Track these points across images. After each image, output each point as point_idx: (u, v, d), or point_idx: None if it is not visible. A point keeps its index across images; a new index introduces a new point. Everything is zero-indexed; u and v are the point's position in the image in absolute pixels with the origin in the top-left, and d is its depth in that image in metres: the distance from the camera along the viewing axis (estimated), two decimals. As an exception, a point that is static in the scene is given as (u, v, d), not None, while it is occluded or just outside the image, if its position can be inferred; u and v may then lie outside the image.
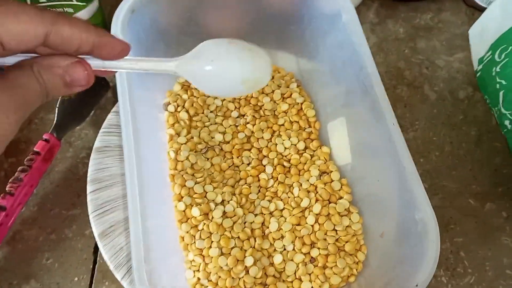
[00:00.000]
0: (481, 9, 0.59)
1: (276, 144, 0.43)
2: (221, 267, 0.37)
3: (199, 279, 0.37)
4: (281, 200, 0.41)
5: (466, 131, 0.52)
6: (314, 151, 0.44)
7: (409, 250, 0.33)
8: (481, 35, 0.54)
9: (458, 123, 0.53)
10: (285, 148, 0.43)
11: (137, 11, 0.39)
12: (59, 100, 0.44)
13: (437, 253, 0.31)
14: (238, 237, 0.38)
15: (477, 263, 0.45)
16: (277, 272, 0.38)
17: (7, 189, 0.40)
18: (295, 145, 0.43)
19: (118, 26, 0.37)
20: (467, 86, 0.55)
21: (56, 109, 0.44)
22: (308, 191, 0.41)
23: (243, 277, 0.37)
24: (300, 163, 0.43)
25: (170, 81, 0.46)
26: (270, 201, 0.40)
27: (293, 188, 0.41)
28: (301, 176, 0.42)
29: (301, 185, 0.41)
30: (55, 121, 0.44)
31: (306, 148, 0.44)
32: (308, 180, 0.41)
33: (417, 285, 0.30)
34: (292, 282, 0.38)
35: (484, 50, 0.53)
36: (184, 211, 0.39)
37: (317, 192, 0.41)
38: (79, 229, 0.43)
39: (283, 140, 0.43)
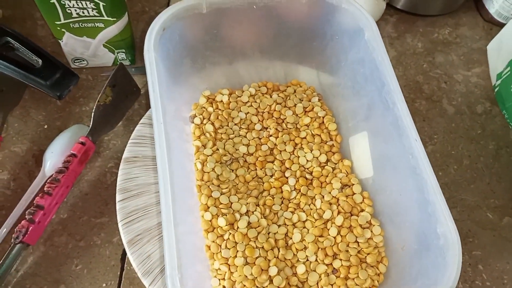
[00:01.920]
0: (498, 24, 0.60)
1: (299, 157, 0.44)
2: (246, 276, 0.38)
3: (224, 287, 0.38)
4: (304, 211, 0.42)
5: (484, 145, 0.53)
6: (335, 164, 0.45)
7: (431, 264, 0.34)
8: (499, 51, 0.55)
9: (476, 137, 0.54)
10: (307, 160, 0.44)
11: (167, 29, 0.40)
12: (95, 105, 0.46)
13: (459, 267, 0.32)
14: (263, 247, 0.39)
15: (495, 276, 0.46)
16: (300, 282, 0.39)
17: (45, 189, 0.42)
18: (317, 158, 0.45)
19: (151, 43, 0.38)
20: (485, 100, 0.56)
21: (92, 113, 0.46)
22: (330, 203, 0.42)
23: (267, 286, 0.38)
24: (322, 175, 0.44)
25: (195, 94, 0.48)
26: (293, 212, 0.42)
27: (315, 200, 0.42)
28: (323, 188, 0.43)
29: (323, 197, 0.42)
30: (90, 125, 0.46)
31: (328, 161, 0.45)
32: (330, 193, 0.43)
33: (439, 298, 0.31)
34: (314, 292, 0.39)
35: (503, 65, 0.54)
36: (210, 220, 0.40)
37: (339, 205, 0.42)
38: (107, 237, 0.45)
39: (305, 153, 0.45)
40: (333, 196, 0.42)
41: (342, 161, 0.45)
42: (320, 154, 0.45)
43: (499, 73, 0.54)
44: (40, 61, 0.44)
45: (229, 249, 0.38)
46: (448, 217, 0.33)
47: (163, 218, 0.33)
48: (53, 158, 0.46)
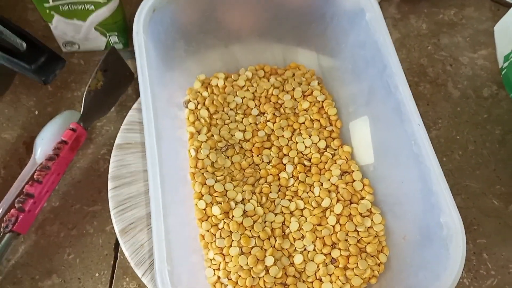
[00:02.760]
0: (506, 4, 0.58)
1: (297, 143, 0.43)
2: (241, 266, 0.37)
3: (219, 277, 0.37)
4: (302, 199, 0.40)
5: (490, 130, 0.51)
6: (335, 150, 0.43)
7: (433, 255, 0.32)
8: (507, 32, 0.53)
9: (482, 122, 0.52)
10: (306, 146, 0.43)
11: (158, 10, 0.38)
12: (86, 90, 0.44)
13: (463, 259, 0.30)
14: (259, 237, 0.38)
15: (500, 265, 0.45)
16: (297, 272, 0.38)
17: (35, 177, 0.40)
18: (316, 143, 0.43)
19: (140, 25, 0.36)
20: (491, 84, 0.54)
21: (83, 99, 0.44)
22: (329, 191, 0.40)
23: (263, 276, 0.37)
24: (321, 162, 0.42)
25: (190, 78, 0.46)
26: (290, 200, 0.40)
27: (314, 187, 0.41)
28: (322, 175, 0.42)
29: (322, 184, 0.41)
30: (81, 111, 0.44)
31: (327, 147, 0.43)
32: (329, 180, 0.41)
33: (441, 291, 0.29)
34: (312, 282, 0.37)
35: (510, 47, 0.51)
36: (204, 209, 0.39)
37: (338, 192, 0.40)
38: (100, 225, 0.44)
39: (304, 139, 0.43)
40: (332, 184, 0.41)
41: (342, 147, 0.43)
42: (319, 140, 0.43)
43: (507, 55, 0.52)
44: (24, 44, 0.42)
45: (223, 238, 0.37)
46: (452, 207, 0.32)
47: (152, 209, 0.31)
48: (44, 145, 0.44)
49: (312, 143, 0.43)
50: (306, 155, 0.43)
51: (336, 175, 0.41)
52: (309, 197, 0.40)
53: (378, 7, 0.39)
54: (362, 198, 0.40)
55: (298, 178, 0.41)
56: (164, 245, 0.30)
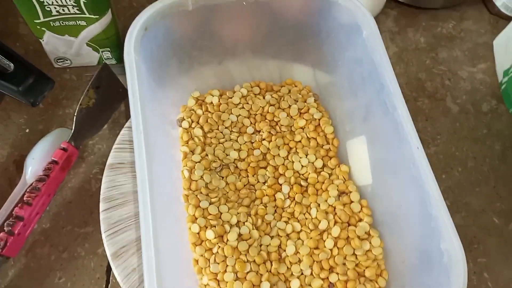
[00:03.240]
0: (505, 18, 0.57)
1: (293, 162, 0.42)
2: (236, 292, 0.35)
3: (213, 303, 0.36)
4: (298, 221, 0.39)
5: (490, 145, 0.51)
6: (332, 169, 0.42)
7: (434, 281, 0.31)
8: (507, 46, 0.52)
9: (481, 137, 0.51)
10: (302, 166, 0.42)
11: (150, 28, 0.37)
12: (77, 108, 0.43)
13: (465, 285, 0.29)
14: (254, 261, 0.37)
15: (502, 285, 0.44)
16: None
17: (25, 199, 0.39)
18: (313, 163, 0.42)
19: (131, 45, 0.35)
20: (491, 98, 0.53)
21: (74, 117, 0.43)
22: (326, 213, 0.39)
23: (258, 302, 0.35)
24: (318, 182, 0.41)
25: (183, 95, 0.45)
26: (286, 222, 0.39)
27: (311, 208, 0.40)
28: (319, 196, 0.41)
29: (319, 205, 0.40)
30: (72, 130, 0.43)
31: (324, 166, 0.42)
32: (326, 201, 0.40)
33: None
34: (309, 307, 0.36)
35: (510, 61, 0.51)
36: (198, 233, 0.38)
37: (335, 214, 0.39)
38: (91, 248, 0.43)
39: (300, 158, 0.42)
40: (329, 205, 0.40)
41: (339, 166, 0.42)
42: (316, 159, 0.42)
43: (506, 69, 0.52)
44: (12, 65, 0.41)
45: (218, 263, 0.36)
46: (453, 233, 0.31)
47: (142, 233, 0.30)
48: (34, 165, 0.43)
49: (309, 162, 0.42)
50: (302, 174, 0.42)
51: (333, 196, 0.40)
52: (306, 218, 0.39)
53: (375, 24, 0.38)
54: (360, 220, 0.39)
55: (294, 199, 0.40)
56: (154, 271, 0.29)
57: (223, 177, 0.41)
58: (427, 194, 0.32)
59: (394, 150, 0.36)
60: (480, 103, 0.53)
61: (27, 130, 0.47)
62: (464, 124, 0.52)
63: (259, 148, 0.42)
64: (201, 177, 0.40)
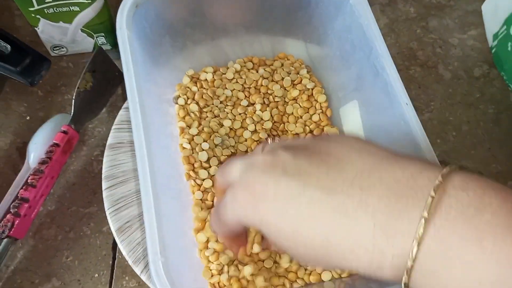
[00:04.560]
0: (494, -16, 0.58)
1: (287, 131, 0.43)
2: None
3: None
4: None
5: (484, 109, 0.51)
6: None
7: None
8: (495, 10, 0.53)
9: (474, 102, 0.52)
10: (296, 133, 0.43)
11: (141, 6, 0.38)
12: (75, 92, 0.44)
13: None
14: None
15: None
16: None
17: (29, 181, 0.40)
18: (308, 126, 0.43)
19: (123, 20, 0.36)
20: (482, 63, 0.54)
21: (73, 101, 0.44)
22: None
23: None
24: None
25: (178, 74, 0.46)
26: None
27: None
28: None
29: None
30: (72, 113, 0.44)
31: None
32: None
33: None
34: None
35: (498, 25, 0.51)
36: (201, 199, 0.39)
37: None
38: (97, 226, 0.44)
39: (296, 127, 0.43)
40: None
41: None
42: (307, 126, 0.43)
43: (495, 33, 0.52)
44: (8, 47, 0.42)
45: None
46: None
47: (143, 202, 0.31)
48: (36, 150, 0.44)
49: (303, 131, 0.43)
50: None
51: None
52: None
53: (361, -9, 0.39)
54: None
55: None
56: (157, 237, 0.30)
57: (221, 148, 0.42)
58: (418, 148, 0.33)
59: (385, 112, 0.37)
60: (472, 69, 0.54)
61: (28, 118, 0.48)
62: (457, 90, 0.52)
63: (252, 117, 0.43)
64: (201, 147, 0.40)
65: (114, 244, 0.43)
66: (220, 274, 0.36)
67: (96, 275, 0.42)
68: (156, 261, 0.29)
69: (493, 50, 0.53)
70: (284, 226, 0.24)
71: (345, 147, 0.25)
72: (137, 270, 0.39)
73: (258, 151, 0.27)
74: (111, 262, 0.42)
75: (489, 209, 0.20)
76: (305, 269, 0.37)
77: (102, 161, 0.44)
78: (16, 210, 0.40)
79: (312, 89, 0.45)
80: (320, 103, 0.44)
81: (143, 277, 0.39)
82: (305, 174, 0.24)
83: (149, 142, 0.34)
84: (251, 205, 0.25)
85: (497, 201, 0.20)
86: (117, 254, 0.43)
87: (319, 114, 0.44)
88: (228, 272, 0.36)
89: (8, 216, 0.40)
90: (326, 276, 0.37)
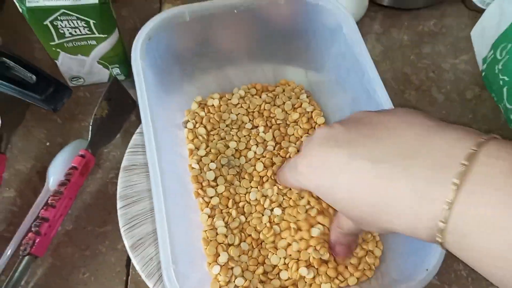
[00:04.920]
0: (482, 12, 0.61)
1: (288, 152, 0.46)
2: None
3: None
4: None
5: (477, 129, 0.53)
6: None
7: (420, 242, 0.34)
8: (483, 36, 0.56)
9: (468, 122, 0.54)
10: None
11: (153, 38, 0.42)
12: (92, 118, 0.48)
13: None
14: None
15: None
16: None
17: (49, 202, 0.43)
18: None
19: (137, 52, 0.40)
20: (474, 86, 0.57)
21: (90, 127, 0.48)
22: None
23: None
24: None
25: (187, 100, 0.49)
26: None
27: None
28: None
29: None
30: (89, 138, 0.48)
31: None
32: None
33: (427, 269, 0.31)
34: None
35: (487, 49, 0.55)
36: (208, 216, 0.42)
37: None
38: (111, 244, 0.46)
39: (295, 148, 0.46)
40: None
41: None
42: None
43: (484, 57, 0.55)
44: (34, 77, 0.46)
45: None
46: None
47: (156, 214, 0.34)
48: (56, 173, 0.48)
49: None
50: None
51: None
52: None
53: (353, 21, 0.42)
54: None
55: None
56: (168, 246, 0.33)
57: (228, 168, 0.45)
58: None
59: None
60: (464, 91, 0.57)
61: (47, 144, 0.52)
62: (450, 112, 0.55)
63: (255, 139, 0.46)
64: (209, 167, 0.44)
65: (128, 261, 0.46)
66: (227, 285, 0.39)
67: (111, 290, 0.44)
68: (169, 268, 0.31)
69: (483, 73, 0.56)
70: (336, 191, 0.28)
71: (394, 118, 0.28)
72: (150, 284, 0.41)
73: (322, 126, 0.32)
74: (125, 278, 0.45)
75: None
76: (305, 282, 0.39)
77: (116, 183, 0.47)
78: (37, 229, 0.43)
79: (312, 112, 0.48)
80: (319, 124, 0.47)
81: (156, 291, 0.41)
82: (355, 145, 0.27)
83: (161, 163, 0.37)
84: (309, 173, 0.30)
85: None
86: (130, 270, 0.45)
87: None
88: (234, 281, 0.38)
89: (30, 234, 0.43)
90: (325, 286, 0.39)
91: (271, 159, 0.45)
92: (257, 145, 0.46)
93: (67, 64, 0.51)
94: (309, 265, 0.39)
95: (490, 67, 0.54)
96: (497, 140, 0.24)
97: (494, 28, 0.53)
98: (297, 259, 0.40)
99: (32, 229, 0.43)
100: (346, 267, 0.39)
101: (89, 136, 0.48)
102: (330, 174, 0.28)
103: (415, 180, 0.24)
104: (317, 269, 0.39)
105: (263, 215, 0.42)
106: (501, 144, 0.23)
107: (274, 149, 0.46)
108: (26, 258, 0.43)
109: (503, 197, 0.21)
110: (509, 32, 0.50)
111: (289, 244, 0.40)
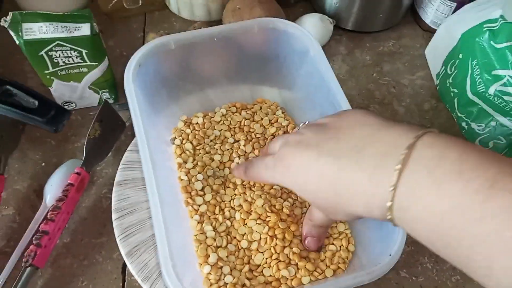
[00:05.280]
0: (435, 32, 0.69)
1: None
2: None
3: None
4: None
5: (434, 137, 0.60)
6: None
7: (387, 230, 0.40)
8: (435, 54, 0.63)
9: (426, 131, 0.61)
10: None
11: (143, 65, 0.47)
12: (86, 139, 0.52)
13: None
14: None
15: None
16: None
17: (48, 216, 0.47)
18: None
19: (129, 77, 0.45)
20: (430, 98, 0.64)
21: (84, 147, 0.52)
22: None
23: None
24: None
25: (174, 120, 0.54)
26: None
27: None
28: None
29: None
30: (84, 157, 0.52)
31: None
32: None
33: (390, 255, 0.37)
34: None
35: (439, 66, 0.61)
36: (198, 222, 0.46)
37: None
38: (107, 254, 0.50)
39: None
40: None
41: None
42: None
43: (438, 73, 0.62)
44: (36, 102, 0.51)
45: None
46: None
47: (153, 216, 0.38)
48: (52, 191, 0.51)
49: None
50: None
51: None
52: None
53: (319, 45, 0.49)
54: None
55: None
56: (166, 246, 0.37)
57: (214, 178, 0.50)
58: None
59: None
60: (422, 104, 0.63)
61: (43, 164, 0.56)
62: (410, 122, 0.61)
63: (237, 151, 0.51)
64: (196, 178, 0.48)
65: (123, 268, 0.49)
66: (217, 283, 0.43)
67: (109, 296, 0.48)
68: (167, 263, 0.36)
69: (437, 87, 0.63)
70: (308, 184, 0.34)
71: (351, 121, 0.34)
72: (146, 287, 0.45)
73: (294, 132, 0.38)
74: (121, 284, 0.49)
75: (448, 161, 0.26)
76: (287, 277, 0.44)
77: (109, 197, 0.51)
78: (38, 241, 0.47)
79: (287, 126, 0.53)
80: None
81: (151, 293, 0.45)
82: (322, 146, 0.33)
83: (155, 174, 0.42)
84: (285, 172, 0.35)
85: (455, 153, 0.26)
86: (126, 277, 0.49)
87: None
88: (224, 279, 0.43)
89: (31, 246, 0.46)
90: (305, 280, 0.44)
91: None
92: (239, 157, 0.51)
93: (60, 90, 0.56)
94: (288, 263, 0.44)
95: (443, 81, 0.61)
96: (433, 132, 0.29)
97: (444, 46, 0.60)
98: (277, 259, 0.44)
99: (34, 242, 0.47)
100: (322, 261, 0.44)
101: (84, 155, 0.52)
102: (303, 171, 0.33)
103: (367, 168, 0.29)
104: (296, 264, 0.44)
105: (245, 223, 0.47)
106: (436, 135, 0.29)
107: None
108: (28, 269, 0.46)
109: (432, 177, 0.27)
110: (455, 50, 0.57)
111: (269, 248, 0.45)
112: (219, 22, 0.68)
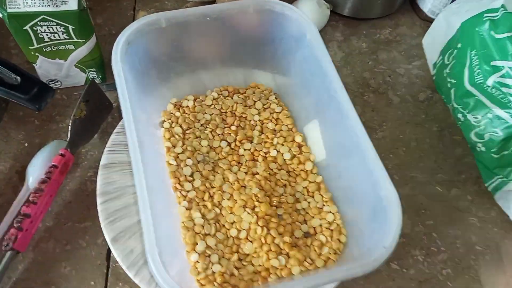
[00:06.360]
0: (432, 21, 0.67)
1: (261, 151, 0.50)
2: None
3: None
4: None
5: (429, 128, 0.59)
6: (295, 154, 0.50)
7: (380, 222, 0.39)
8: (433, 43, 0.62)
9: (421, 121, 0.60)
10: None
11: (132, 43, 0.45)
12: (71, 119, 0.50)
13: (400, 219, 0.37)
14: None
15: (449, 242, 0.51)
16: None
17: (30, 198, 0.45)
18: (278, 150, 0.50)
19: (117, 56, 0.43)
20: (426, 89, 0.63)
21: (69, 127, 0.50)
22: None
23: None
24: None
25: (164, 102, 0.52)
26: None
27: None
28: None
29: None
30: (68, 138, 0.50)
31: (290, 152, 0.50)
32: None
33: (384, 247, 0.35)
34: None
35: (436, 56, 0.60)
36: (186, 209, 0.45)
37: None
38: (91, 239, 0.49)
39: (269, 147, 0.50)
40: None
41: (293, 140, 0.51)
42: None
43: (434, 62, 0.61)
44: (19, 78, 0.48)
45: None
46: (387, 181, 0.38)
47: (140, 204, 0.37)
48: (35, 172, 0.49)
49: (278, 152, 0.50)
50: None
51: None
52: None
53: (316, 29, 0.47)
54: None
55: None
56: (153, 232, 0.35)
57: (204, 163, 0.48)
58: (365, 153, 0.40)
59: (340, 128, 0.44)
60: (417, 94, 0.62)
61: (26, 144, 0.54)
62: (405, 112, 0.60)
63: (227, 140, 0.50)
64: (185, 163, 0.47)
65: (108, 254, 0.48)
66: (205, 271, 0.42)
67: (92, 282, 0.47)
68: (153, 251, 0.34)
69: (434, 77, 0.62)
70: None
71: None
72: (131, 274, 0.44)
73: None
74: (105, 270, 0.47)
75: None
76: (277, 267, 0.43)
77: (95, 181, 0.49)
78: (19, 224, 0.45)
79: (280, 112, 0.52)
80: (287, 124, 0.51)
81: (136, 280, 0.43)
82: None
83: (143, 158, 0.40)
84: None
85: None
86: (110, 263, 0.48)
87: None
88: (212, 268, 0.42)
89: (12, 230, 0.45)
90: (295, 270, 0.42)
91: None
92: (229, 143, 0.49)
93: (45, 68, 0.54)
94: (279, 253, 0.43)
95: (439, 71, 0.60)
96: None
97: (442, 36, 0.58)
98: (268, 250, 0.43)
99: (14, 224, 0.45)
100: (313, 251, 0.43)
101: (68, 136, 0.50)
102: None
103: None
104: (287, 254, 0.43)
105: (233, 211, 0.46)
106: None
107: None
108: (9, 253, 0.44)
109: None
110: (454, 39, 0.55)
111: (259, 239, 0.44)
112: (212, 2, 0.66)
